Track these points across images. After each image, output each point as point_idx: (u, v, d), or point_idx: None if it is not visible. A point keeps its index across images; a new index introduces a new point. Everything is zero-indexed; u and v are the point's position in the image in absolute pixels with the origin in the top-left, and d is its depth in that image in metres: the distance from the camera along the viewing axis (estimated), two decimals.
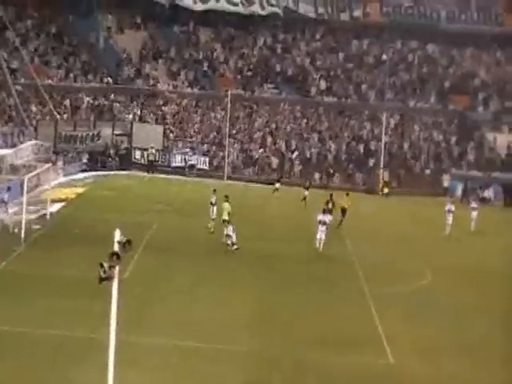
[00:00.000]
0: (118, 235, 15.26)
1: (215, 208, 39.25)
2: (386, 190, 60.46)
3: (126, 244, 15.39)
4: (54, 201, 42.69)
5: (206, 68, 72.27)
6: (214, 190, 40.55)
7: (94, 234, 34.98)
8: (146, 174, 61.24)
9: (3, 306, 25.28)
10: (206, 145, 66.20)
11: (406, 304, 29.20)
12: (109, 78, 67.77)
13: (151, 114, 67.71)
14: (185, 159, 63.88)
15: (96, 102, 66.06)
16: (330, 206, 41.27)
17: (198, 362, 22.02)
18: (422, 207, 55.61)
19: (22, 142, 55.44)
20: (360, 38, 75.77)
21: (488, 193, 61.61)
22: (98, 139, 62.33)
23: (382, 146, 63.86)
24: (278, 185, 55.61)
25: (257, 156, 65.88)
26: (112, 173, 59.87)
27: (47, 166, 47.91)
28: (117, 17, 72.79)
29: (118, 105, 66.88)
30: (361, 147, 67.01)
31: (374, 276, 33.20)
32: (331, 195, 42.93)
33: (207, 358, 22.31)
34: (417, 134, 68.87)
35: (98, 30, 71.57)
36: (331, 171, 63.46)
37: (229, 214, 37.31)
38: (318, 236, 36.85)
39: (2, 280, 28.55)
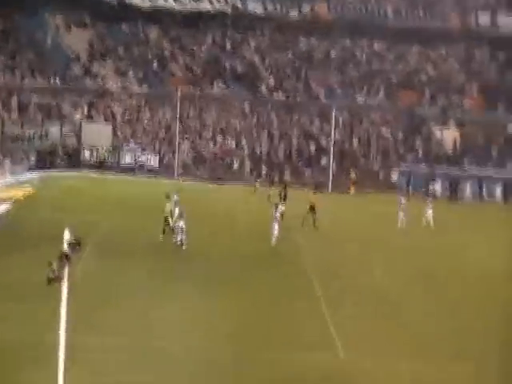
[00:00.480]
0: (67, 235, 15.15)
1: (177, 208, 39.18)
2: (352, 190, 60.51)
3: (75, 244, 15.28)
4: (0, 201, 42.11)
5: (155, 66, 71.98)
6: (178, 191, 40.41)
7: (42, 235, 34.51)
8: (95, 173, 60.78)
9: None
10: (156, 143, 65.94)
11: (358, 300, 29.38)
12: (56, 78, 67.09)
13: (100, 113, 67.24)
14: (134, 158, 63.64)
15: (44, 101, 65.36)
16: (283, 194, 46.11)
17: (148, 359, 21.94)
18: (372, 203, 56.10)
19: None
20: (308, 36, 76.15)
21: (434, 187, 62.46)
22: (46, 139, 61.72)
23: (332, 143, 64.23)
24: (257, 184, 56.23)
25: (207, 154, 65.84)
26: (61, 172, 59.33)
27: None
28: (64, 15, 72.07)
29: (66, 104, 66.27)
30: (310, 144, 67.36)
31: (324, 272, 33.38)
32: (285, 186, 47.83)
33: (157, 357, 22.23)
34: (365, 130, 69.43)
35: (45, 28, 70.81)
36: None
37: (170, 212, 37.21)
38: (273, 232, 37.31)
39: None
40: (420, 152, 67.46)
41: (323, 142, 66.90)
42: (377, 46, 76.47)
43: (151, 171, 62.66)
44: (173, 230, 36.37)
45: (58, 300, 15.15)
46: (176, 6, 73.98)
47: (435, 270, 35.69)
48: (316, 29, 75.71)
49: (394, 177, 63.83)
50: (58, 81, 67.03)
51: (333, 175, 63.07)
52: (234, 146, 66.78)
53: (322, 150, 66.41)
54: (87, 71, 69.65)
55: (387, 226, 44.96)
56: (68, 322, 15.19)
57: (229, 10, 75.03)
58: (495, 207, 57.25)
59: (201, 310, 27.00)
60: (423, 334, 25.93)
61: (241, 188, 59.42)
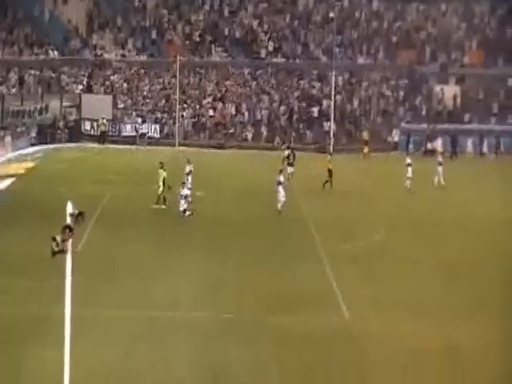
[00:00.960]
0: (70, 208, 15.23)
1: (190, 177, 39.36)
2: (365, 150, 60.41)
3: (78, 216, 15.36)
4: (2, 177, 42.28)
5: (153, 35, 71.74)
6: (188, 159, 40.68)
7: (45, 209, 34.79)
8: (96, 145, 60.94)
9: None
10: (156, 112, 65.96)
11: (361, 261, 29.58)
12: (55, 51, 66.96)
13: (100, 85, 67.20)
14: (135, 128, 63.69)
15: (43, 75, 65.29)
16: (292, 159, 47.53)
17: (156, 330, 22.23)
18: (376, 163, 56.19)
19: None
20: None
21: (435, 144, 62.46)
22: (47, 112, 61.76)
23: (332, 105, 64.13)
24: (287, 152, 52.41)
25: (208, 121, 65.86)
26: (62, 145, 59.54)
27: None
28: None
29: (65, 77, 66.22)
30: (311, 107, 67.29)
31: (328, 234, 33.61)
32: (292, 150, 48.83)
33: (165, 327, 22.54)
34: (366, 90, 69.24)
35: (43, 1, 70.49)
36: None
37: (164, 180, 37.34)
38: (278, 198, 37.41)
39: None
40: (421, 110, 67.32)
41: (324, 104, 66.81)
42: (375, 5, 75.98)
43: (152, 140, 62.74)
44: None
45: (63, 273, 15.39)
46: None
47: (440, 228, 35.77)
48: None
49: (396, 136, 63.74)
50: (56, 54, 66.88)
51: (334, 137, 63.06)
52: (234, 112, 66.73)
53: (322, 112, 66.34)
54: (86, 43, 69.47)
55: (396, 186, 44.87)
56: (72, 294, 15.41)
57: None
58: (498, 161, 57.22)
59: (204, 277, 27.27)
60: (429, 293, 26.01)
61: (243, 153, 59.61)
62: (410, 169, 44.87)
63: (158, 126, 64.39)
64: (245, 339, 21.62)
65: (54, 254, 15.76)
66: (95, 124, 62.83)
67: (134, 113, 65.37)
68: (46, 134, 60.79)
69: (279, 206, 37.52)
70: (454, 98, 67.41)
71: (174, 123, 63.86)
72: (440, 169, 46.04)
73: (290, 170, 46.32)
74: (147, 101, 67.11)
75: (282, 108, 67.26)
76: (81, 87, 65.98)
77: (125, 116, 64.97)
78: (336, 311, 24.08)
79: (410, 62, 70.87)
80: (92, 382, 18.74)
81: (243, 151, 60.57)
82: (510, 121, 65.51)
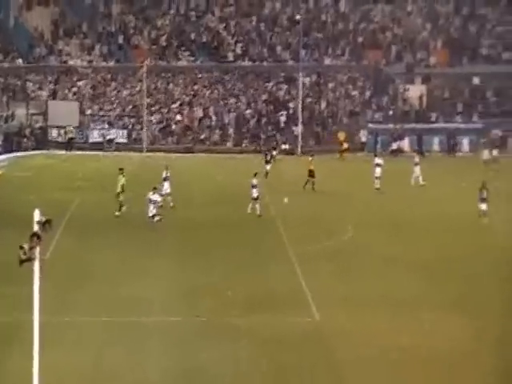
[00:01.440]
0: (37, 215, 15.15)
1: (166, 183, 39.27)
2: (343, 151, 60.54)
3: (45, 224, 15.26)
4: None
5: (120, 40, 71.61)
6: (167, 166, 40.55)
7: (12, 216, 34.40)
8: (63, 152, 60.65)
9: None
10: (123, 118, 65.80)
11: (330, 260, 29.69)
12: (20, 58, 66.58)
13: (66, 91, 66.91)
14: (103, 134, 63.52)
15: (8, 82, 64.86)
16: (269, 157, 50.03)
17: (128, 336, 22.14)
18: (345, 163, 56.43)
19: None
20: (273, 0, 75.94)
21: (402, 144, 62.95)
22: (13, 120, 61.42)
23: (300, 107, 64.36)
24: (274, 152, 56.20)
25: (176, 126, 65.79)
26: (28, 153, 59.20)
27: None
28: None
29: (31, 84, 65.84)
30: (279, 109, 67.46)
31: (297, 234, 33.71)
32: (270, 149, 52.21)
33: (137, 332, 22.42)
34: (333, 91, 69.56)
35: (7, 7, 70.04)
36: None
37: (122, 186, 37.29)
38: (252, 200, 37.55)
39: None
40: (388, 110, 67.78)
41: (291, 106, 66.99)
42: (341, 6, 76.38)
43: (120, 146, 62.55)
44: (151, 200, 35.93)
45: (30, 280, 15.32)
46: None
47: (410, 226, 36.02)
48: None
49: (363, 137, 64.11)
50: (21, 61, 66.45)
51: (302, 139, 63.27)
52: (202, 116, 66.72)
53: (290, 115, 66.52)
54: (51, 49, 69.15)
55: (365, 185, 45.08)
56: (41, 302, 15.35)
57: None
58: (464, 159, 57.76)
59: (175, 281, 27.25)
60: (399, 291, 25.99)
61: (212, 156, 59.68)
62: (378, 169, 45.20)
63: (125, 132, 64.28)
64: (217, 342, 21.61)
65: (22, 262, 15.61)
66: (62, 131, 62.53)
67: (101, 119, 65.16)
68: (12, 142, 60.42)
69: (250, 207, 37.59)
70: (421, 97, 67.96)
71: (142, 128, 63.73)
72: (417, 169, 46.40)
73: (267, 167, 48.99)
74: (114, 106, 66.94)
75: (250, 111, 67.39)
76: (47, 94, 65.62)
77: (92, 122, 64.73)
78: (306, 311, 24.14)
79: (377, 63, 71.38)
80: None
81: (212, 155, 60.67)
82: (475, 119, 66.22)
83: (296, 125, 64.20)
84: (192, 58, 71.28)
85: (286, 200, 39.77)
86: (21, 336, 19.84)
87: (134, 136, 64.59)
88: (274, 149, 58.05)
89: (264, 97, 68.40)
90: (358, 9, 76.15)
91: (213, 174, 51.19)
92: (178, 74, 69.62)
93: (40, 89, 66.09)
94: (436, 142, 63.24)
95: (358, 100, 68.91)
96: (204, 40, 72.59)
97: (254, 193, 37.65)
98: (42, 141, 62.00)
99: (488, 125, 64.36)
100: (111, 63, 69.81)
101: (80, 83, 67.68)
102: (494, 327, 22.72)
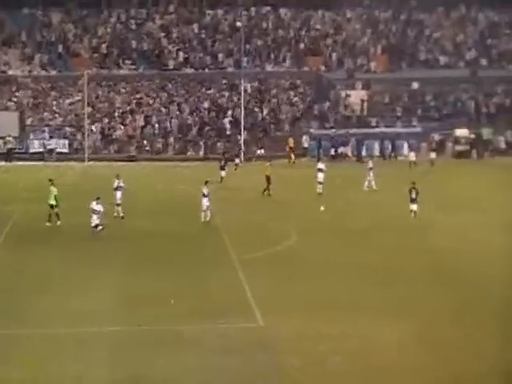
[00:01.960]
0: None
1: (119, 193, 39.00)
2: (292, 157, 61.03)
3: None
4: None
5: (60, 49, 71.08)
6: (118, 175, 40.19)
7: None
8: (3, 162, 59.92)
9: None
10: (65, 127, 65.24)
11: (273, 266, 29.82)
12: None
13: (5, 101, 66.18)
14: (43, 144, 62.89)
15: None
16: (223, 163, 51.19)
17: (70, 347, 21.98)
18: (286, 169, 56.69)
19: None
20: (214, 8, 76.21)
21: (345, 149, 63.59)
22: None
23: (242, 113, 64.58)
24: (237, 160, 57.81)
25: (118, 135, 65.45)
26: None
27: None
28: None
29: None
30: (221, 116, 67.61)
31: (240, 241, 33.82)
32: (224, 155, 53.87)
33: (80, 343, 22.22)
34: (275, 97, 69.95)
35: None
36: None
37: (55, 197, 37.08)
38: (202, 209, 37.49)
39: None
40: (329, 116, 68.36)
41: (234, 113, 67.15)
42: (282, 13, 76.95)
43: (61, 156, 62.02)
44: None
45: None
46: None
47: (358, 227, 36.48)
48: (221, 0, 75.93)
49: (305, 142, 64.56)
50: None
51: (245, 145, 63.47)
52: (144, 124, 66.51)
53: (232, 122, 66.69)
54: None
55: (309, 191, 45.33)
56: None
57: None
58: (404, 163, 58.44)
59: (119, 291, 27.13)
60: (344, 296, 26.17)
61: (155, 165, 59.51)
62: (320, 174, 45.58)
63: (66, 142, 63.68)
64: (161, 351, 21.59)
65: None
66: (1, 141, 61.76)
67: (41, 129, 64.50)
68: None
69: (203, 216, 37.55)
70: (362, 102, 68.70)
71: (83, 138, 63.28)
72: (371, 173, 46.86)
73: (222, 173, 50.43)
74: (55, 116, 66.35)
75: (193, 119, 67.40)
76: None
77: (32, 132, 64.05)
78: (251, 318, 24.19)
79: (318, 69, 72.03)
80: None
81: (155, 163, 60.47)
82: (415, 123, 67.19)
83: (239, 131, 64.39)
84: (133, 67, 71.09)
85: (322, 208, 39.71)
86: None
87: (75, 146, 64.03)
88: (237, 156, 58.73)
89: (206, 104, 68.50)
90: (298, 16, 76.83)
91: (156, 182, 51.00)
92: (119, 83, 69.34)
93: None
94: (376, 147, 63.93)
95: (300, 106, 69.42)
96: (145, 48, 72.47)
97: (205, 202, 37.55)
98: None
99: (427, 129, 65.38)
100: (52, 72, 69.23)
101: (20, 93, 66.98)
102: (437, 331, 23.04)
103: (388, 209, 40.86)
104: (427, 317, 24.19)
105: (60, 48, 71.14)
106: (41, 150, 62.56)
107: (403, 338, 22.43)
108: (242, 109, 64.65)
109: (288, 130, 66.68)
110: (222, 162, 51.58)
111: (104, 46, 71.87)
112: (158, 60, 71.74)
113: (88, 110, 64.27)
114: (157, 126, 66.42)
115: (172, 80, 70.24)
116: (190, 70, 71.19)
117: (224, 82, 70.17)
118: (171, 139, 65.43)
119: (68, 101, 67.47)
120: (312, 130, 65.84)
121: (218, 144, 65.04)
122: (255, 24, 75.51)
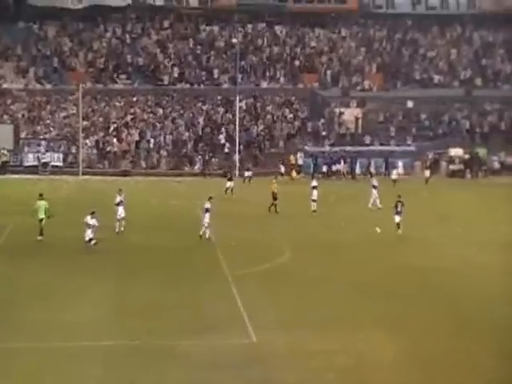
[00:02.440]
0: None
1: (121, 208, 38.92)
2: (294, 174, 61.13)
3: None
4: None
5: (55, 63, 71.18)
6: (120, 190, 39.96)
7: None
8: None
9: None
10: (59, 141, 65.21)
11: (267, 282, 29.77)
12: None
13: (0, 114, 66.15)
14: (38, 157, 62.84)
15: None
16: (229, 175, 52.05)
17: (61, 361, 21.82)
18: (281, 186, 56.63)
19: None
20: (210, 24, 76.49)
21: (338, 167, 63.69)
22: None
23: (237, 129, 64.65)
24: (248, 173, 59.05)
25: (112, 149, 65.43)
26: None
27: None
28: None
29: None
30: (216, 132, 67.70)
31: (235, 257, 33.75)
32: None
33: (70, 357, 22.10)
34: (270, 114, 70.10)
35: None
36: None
37: (45, 211, 36.90)
38: (203, 224, 37.21)
39: None
40: (323, 133, 68.51)
41: (229, 129, 67.26)
42: (277, 30, 77.26)
43: (55, 169, 61.95)
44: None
45: None
46: (72, 2, 73.17)
47: (352, 244, 36.52)
48: (217, 16, 76.21)
49: (300, 159, 64.63)
50: None
51: (240, 162, 63.50)
52: (138, 138, 66.55)
53: (227, 138, 66.76)
54: None
55: (304, 208, 45.36)
56: None
57: (128, 1, 74.75)
58: (398, 181, 58.49)
59: (111, 305, 27.05)
60: (336, 312, 26.11)
61: (150, 180, 59.44)
62: (315, 191, 45.59)
63: (61, 155, 63.65)
64: (152, 366, 21.48)
65: None
66: None
67: (36, 142, 64.45)
68: None
69: (204, 233, 37.31)
70: (356, 120, 68.89)
71: (78, 151, 63.24)
72: (375, 191, 46.60)
73: (229, 184, 51.36)
74: (50, 129, 66.34)
75: (188, 134, 67.46)
76: None
77: (27, 145, 63.99)
78: (243, 333, 24.12)
79: (312, 86, 72.26)
80: None
81: (149, 178, 60.42)
82: (409, 142, 67.38)
83: (234, 147, 64.46)
84: (129, 81, 71.23)
85: (378, 230, 39.12)
86: None
87: (69, 159, 63.99)
88: (248, 170, 59.28)
89: (201, 120, 68.58)
90: (293, 33, 77.18)
91: (151, 197, 50.96)
92: (114, 97, 69.43)
93: None
94: (371, 165, 64.03)
95: (295, 123, 69.57)
96: (141, 63, 72.63)
97: (207, 217, 37.28)
98: None
99: (421, 148, 65.55)
100: (47, 86, 69.28)
101: (15, 106, 66.98)
102: (431, 346, 23.01)
103: (383, 225, 40.82)
104: (420, 332, 24.16)
105: (55, 62, 71.27)
106: (35, 163, 62.53)
107: (397, 354, 22.37)
108: (237, 125, 64.70)
109: (283, 146, 66.86)
110: (228, 174, 53.18)
111: (99, 60, 72.02)
112: (153, 75, 71.90)
113: (83, 123, 64.33)
114: (151, 140, 66.48)
115: (167, 95, 70.38)
116: (185, 86, 71.38)
117: (219, 97, 70.33)
118: (166, 154, 65.47)
119: (63, 114, 67.52)
120: (307, 147, 65.96)
121: (213, 160, 65.10)
122: (251, 41, 75.83)
